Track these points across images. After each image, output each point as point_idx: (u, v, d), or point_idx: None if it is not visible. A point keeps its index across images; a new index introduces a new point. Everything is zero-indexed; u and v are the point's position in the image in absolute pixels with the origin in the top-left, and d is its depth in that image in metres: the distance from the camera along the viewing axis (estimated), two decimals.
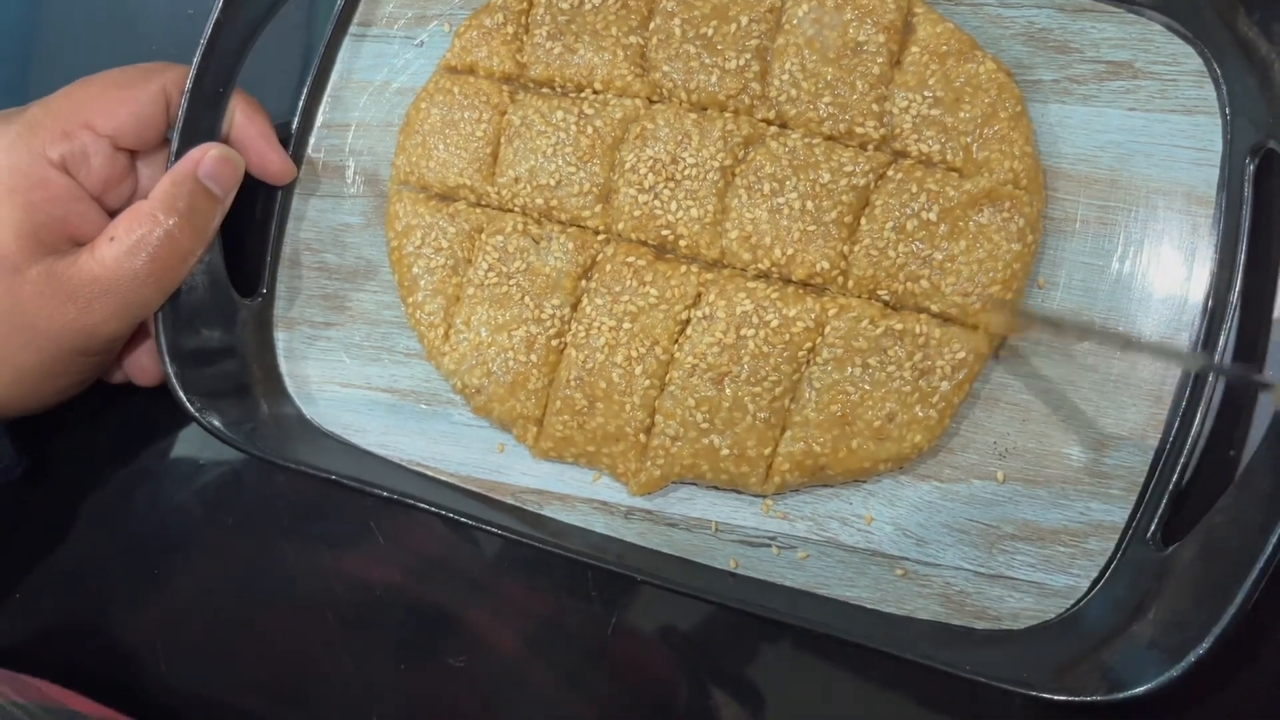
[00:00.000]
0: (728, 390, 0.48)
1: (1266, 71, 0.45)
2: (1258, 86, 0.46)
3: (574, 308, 0.51)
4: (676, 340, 0.49)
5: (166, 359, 0.51)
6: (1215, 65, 0.47)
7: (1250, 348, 0.47)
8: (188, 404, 0.51)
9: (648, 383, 0.49)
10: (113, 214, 0.51)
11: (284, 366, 0.56)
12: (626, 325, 0.49)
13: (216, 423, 0.51)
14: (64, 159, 0.50)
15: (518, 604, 0.53)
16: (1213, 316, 0.47)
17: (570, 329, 0.50)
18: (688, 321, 0.49)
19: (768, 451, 0.48)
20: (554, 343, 0.51)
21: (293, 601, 0.55)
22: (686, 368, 0.49)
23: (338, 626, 0.54)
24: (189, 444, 0.58)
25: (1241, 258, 0.46)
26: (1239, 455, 0.46)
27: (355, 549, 0.55)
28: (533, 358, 0.50)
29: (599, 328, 0.50)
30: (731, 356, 0.48)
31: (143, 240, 0.48)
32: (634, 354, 0.49)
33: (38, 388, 0.50)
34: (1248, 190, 0.46)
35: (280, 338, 0.56)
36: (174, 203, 0.49)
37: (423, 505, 0.49)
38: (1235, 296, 0.46)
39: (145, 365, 0.53)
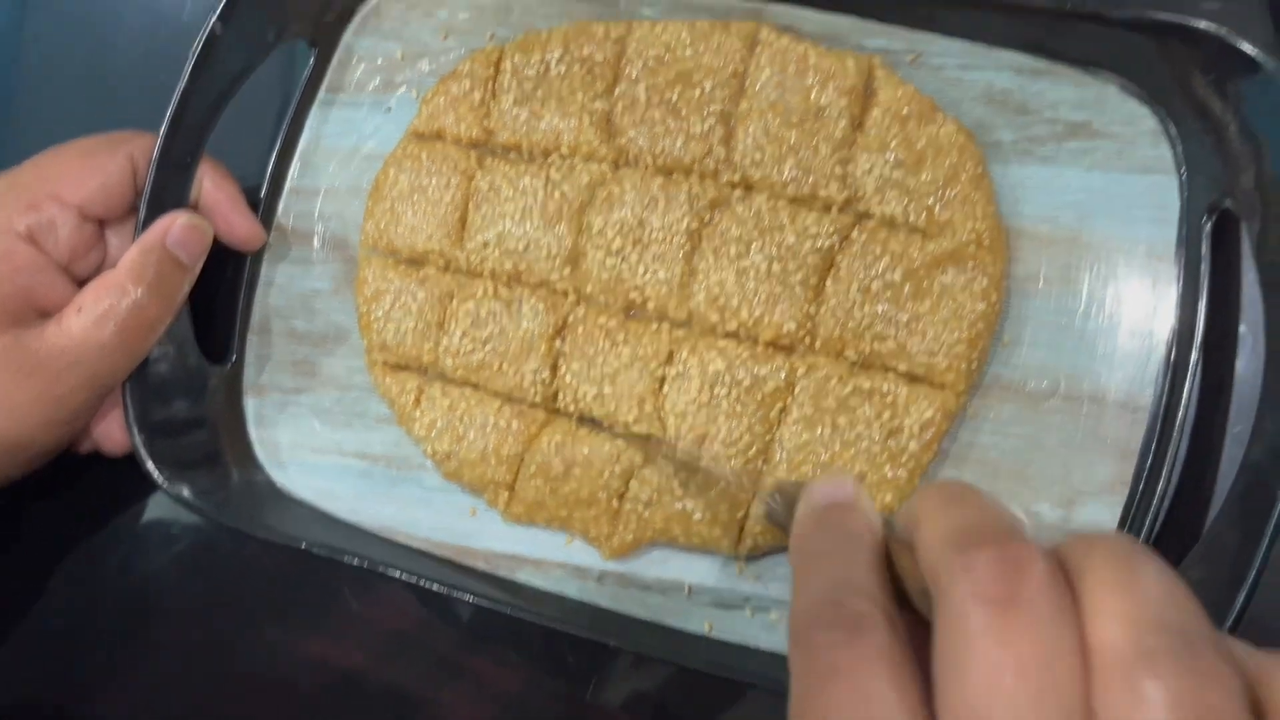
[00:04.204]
0: (705, 452, 0.48)
1: (1221, 132, 0.46)
2: (1213, 146, 0.46)
3: (552, 370, 0.51)
4: (656, 396, 0.49)
5: (134, 429, 0.50)
6: (1171, 125, 0.48)
7: (1214, 403, 0.47)
8: (157, 475, 0.50)
9: (635, 449, 0.49)
10: (81, 283, 0.51)
11: (254, 433, 0.55)
12: (608, 390, 0.49)
13: (186, 493, 0.51)
14: (30, 230, 0.50)
15: (491, 677, 0.52)
16: (1175, 371, 0.47)
17: (555, 399, 0.51)
18: (664, 379, 0.49)
19: (740, 515, 0.48)
20: (536, 413, 0.51)
21: (267, 672, 0.54)
22: (671, 430, 0.49)
23: (311, 700, 0.53)
24: (159, 511, 0.58)
25: (1202, 314, 0.46)
26: (1206, 510, 0.47)
27: (329, 617, 0.54)
28: (514, 425, 0.50)
29: (583, 396, 0.50)
30: (708, 416, 0.48)
31: (110, 310, 0.48)
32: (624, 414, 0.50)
33: (3, 461, 0.50)
34: (1205, 248, 0.46)
35: (250, 404, 0.56)
36: (142, 272, 0.49)
37: (394, 573, 0.49)
38: (1197, 352, 0.46)
39: (113, 435, 0.53)
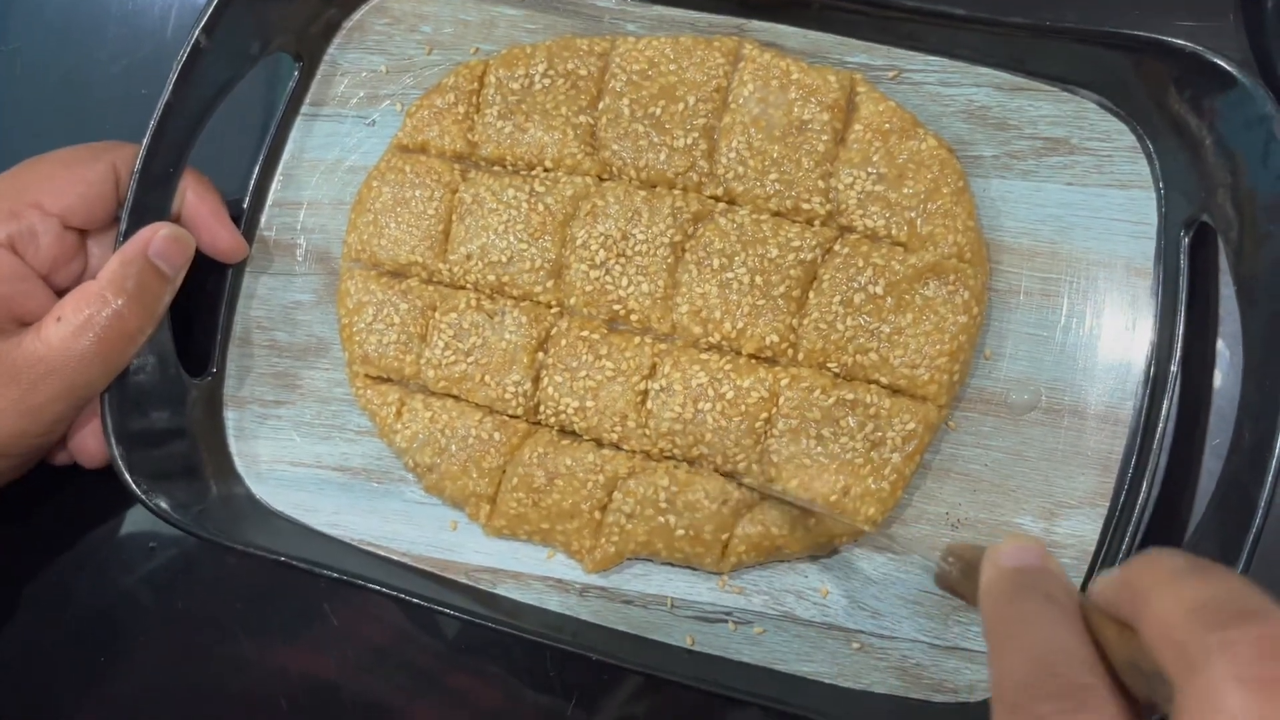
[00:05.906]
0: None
1: (1197, 148, 0.46)
2: (1189, 162, 0.47)
3: (534, 382, 0.51)
4: (638, 411, 0.49)
5: (113, 441, 0.50)
6: (1148, 141, 0.49)
7: (1193, 416, 0.47)
8: (134, 487, 0.50)
9: (619, 460, 0.49)
10: (62, 293, 0.50)
11: (234, 446, 0.55)
12: (590, 404, 0.49)
13: (164, 505, 0.50)
14: (10, 239, 0.49)
15: (469, 691, 0.52)
16: (1155, 385, 0.47)
17: (537, 411, 0.50)
18: (646, 393, 0.49)
19: (725, 536, 0.48)
20: (518, 425, 0.51)
21: (245, 689, 0.54)
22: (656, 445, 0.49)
23: (285, 713, 0.53)
24: (137, 525, 0.57)
25: (1180, 328, 0.47)
26: (1186, 522, 0.47)
27: (308, 631, 0.54)
28: (496, 436, 0.50)
29: (565, 409, 0.50)
30: (695, 435, 0.48)
31: (90, 320, 0.48)
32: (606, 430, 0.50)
33: None
34: (1184, 262, 0.47)
35: (230, 417, 0.55)
36: (123, 282, 0.49)
37: (374, 586, 0.48)
38: (1175, 366, 0.47)
39: (90, 446, 0.52)
